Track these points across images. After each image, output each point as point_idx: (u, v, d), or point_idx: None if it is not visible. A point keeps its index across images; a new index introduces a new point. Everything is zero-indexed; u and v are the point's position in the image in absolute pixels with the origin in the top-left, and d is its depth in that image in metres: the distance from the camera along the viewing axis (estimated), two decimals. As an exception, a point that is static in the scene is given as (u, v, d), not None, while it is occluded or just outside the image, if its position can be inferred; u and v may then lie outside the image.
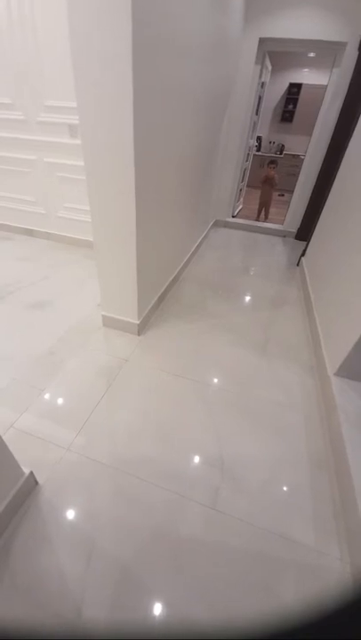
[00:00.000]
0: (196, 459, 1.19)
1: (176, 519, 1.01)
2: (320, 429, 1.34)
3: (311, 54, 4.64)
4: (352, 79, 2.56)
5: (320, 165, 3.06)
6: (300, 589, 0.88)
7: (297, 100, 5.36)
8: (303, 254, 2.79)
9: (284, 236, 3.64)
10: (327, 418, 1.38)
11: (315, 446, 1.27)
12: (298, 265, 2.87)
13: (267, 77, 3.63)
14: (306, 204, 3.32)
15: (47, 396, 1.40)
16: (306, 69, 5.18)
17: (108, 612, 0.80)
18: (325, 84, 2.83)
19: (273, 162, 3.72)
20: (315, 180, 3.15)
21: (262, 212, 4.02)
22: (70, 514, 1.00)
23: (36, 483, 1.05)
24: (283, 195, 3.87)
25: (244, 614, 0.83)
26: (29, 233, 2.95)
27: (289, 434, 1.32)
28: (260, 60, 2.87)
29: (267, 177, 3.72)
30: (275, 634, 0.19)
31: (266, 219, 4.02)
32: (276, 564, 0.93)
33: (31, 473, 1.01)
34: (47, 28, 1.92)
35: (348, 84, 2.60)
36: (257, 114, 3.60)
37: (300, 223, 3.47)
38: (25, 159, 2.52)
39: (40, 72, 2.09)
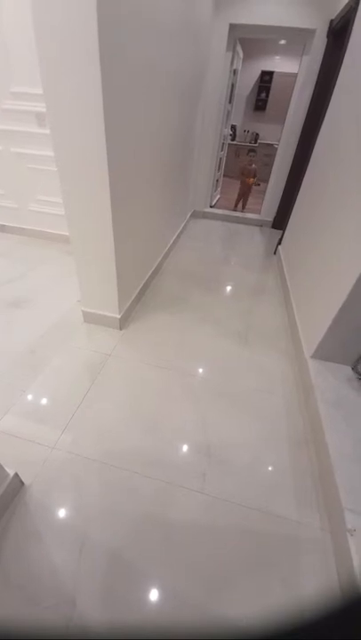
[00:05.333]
0: (184, 447, 1.22)
1: (166, 506, 1.03)
2: (299, 410, 1.41)
3: (282, 41, 4.64)
4: (321, 66, 2.60)
5: (293, 154, 3.10)
6: (289, 560, 0.93)
7: (269, 88, 5.37)
8: (280, 243, 2.85)
9: (261, 226, 3.69)
10: (305, 398, 1.44)
11: (294, 426, 1.33)
12: (275, 253, 2.93)
13: (238, 65, 3.60)
14: (281, 193, 3.37)
15: (30, 395, 1.37)
16: (277, 57, 5.18)
17: (103, 602, 0.82)
18: (297, 71, 2.85)
19: (253, 150, 3.73)
20: (289, 169, 3.20)
21: (240, 203, 4.04)
22: (60, 510, 1.00)
23: (22, 483, 1.03)
24: (259, 184, 3.90)
25: (240, 593, 0.87)
26: (1, 229, 2.82)
27: (271, 416, 1.37)
28: (231, 46, 2.84)
29: (245, 183, 3.73)
30: (275, 634, 0.19)
31: (243, 209, 4.05)
32: (264, 539, 0.97)
33: (16, 474, 0.99)
34: (10, 8, 1.81)
35: (317, 72, 2.64)
36: (230, 102, 3.58)
37: (275, 212, 3.53)
38: (-10, 150, 2.39)
39: (4, 56, 1.97)
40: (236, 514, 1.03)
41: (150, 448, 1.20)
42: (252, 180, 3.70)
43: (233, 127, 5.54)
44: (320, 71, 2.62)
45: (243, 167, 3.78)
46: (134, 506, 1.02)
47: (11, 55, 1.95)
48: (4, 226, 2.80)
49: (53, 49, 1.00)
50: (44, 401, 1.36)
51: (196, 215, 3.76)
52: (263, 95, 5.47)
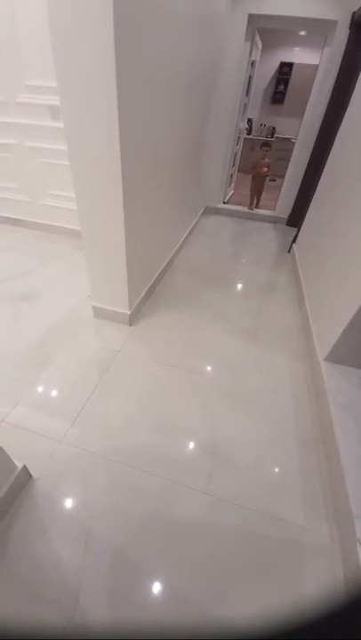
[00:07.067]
0: (190, 445, 1.21)
1: (171, 505, 1.02)
2: (309, 413, 1.37)
3: (302, 32, 4.48)
4: (343, 59, 2.49)
5: (311, 149, 3.01)
6: (294, 567, 0.91)
7: (288, 80, 5.21)
8: (294, 241, 2.78)
9: (275, 223, 3.61)
10: (316, 401, 1.41)
11: (304, 429, 1.30)
12: (289, 252, 2.87)
13: (257, 56, 3.51)
14: (297, 190, 3.29)
15: (39, 389, 1.38)
16: (297, 48, 5.02)
17: (106, 598, 0.82)
18: (317, 63, 2.75)
19: (267, 144, 3.59)
20: (306, 165, 3.11)
21: (254, 200, 3.93)
22: (66, 504, 1.01)
23: (30, 476, 1.05)
24: (274, 180, 3.80)
25: (243, 596, 0.86)
26: (14, 222, 2.85)
27: (279, 418, 1.34)
28: (249, 37, 2.76)
29: (257, 176, 3.59)
30: (275, 634, 0.19)
31: (257, 205, 3.95)
32: (269, 543, 0.96)
33: (24, 467, 1.00)
34: (25, 1, 1.80)
35: (339, 65, 2.54)
36: (247, 95, 3.49)
37: (291, 209, 3.45)
38: (4, 143, 2.40)
39: (18, 48, 1.96)
40: (241, 516, 1.01)
41: (157, 445, 1.20)
42: (265, 169, 3.57)
43: (249, 121, 5.41)
44: (342, 64, 2.52)
45: (255, 162, 3.67)
46: (139, 504, 1.02)
47: (25, 48, 1.95)
48: (17, 220, 2.83)
49: (67, 42, 0.98)
50: (52, 395, 1.37)
51: (208, 211, 3.71)
52: (281, 87, 5.31)
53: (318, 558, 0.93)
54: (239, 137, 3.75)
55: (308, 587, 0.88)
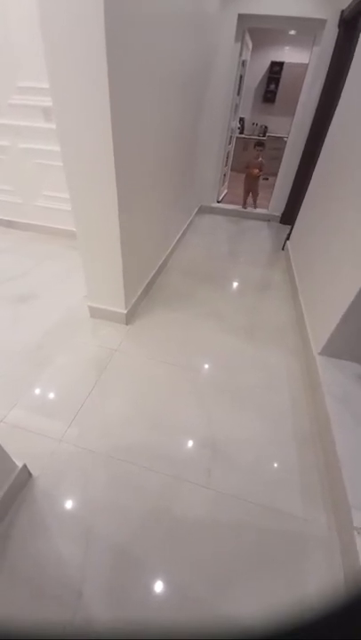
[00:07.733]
0: (189, 442, 1.22)
1: (171, 501, 1.03)
2: (305, 406, 1.39)
3: (292, 32, 4.52)
4: (332, 58, 2.52)
5: (303, 147, 3.04)
6: (294, 559, 0.93)
7: (279, 79, 5.25)
8: (288, 238, 2.81)
9: (269, 221, 3.64)
10: (312, 395, 1.43)
11: (300, 423, 1.32)
12: (283, 249, 2.89)
13: (247, 56, 3.53)
14: (290, 188, 3.31)
15: (37, 389, 1.38)
16: (288, 47, 5.06)
17: (107, 596, 0.83)
18: (307, 61, 2.78)
19: (260, 144, 3.60)
20: (298, 163, 3.14)
21: (249, 200, 3.92)
22: (66, 502, 1.01)
23: (30, 475, 1.05)
24: (267, 178, 3.82)
25: (244, 591, 0.87)
26: (8, 224, 2.84)
27: (276, 413, 1.36)
28: (239, 37, 2.78)
29: (250, 175, 3.59)
30: (275, 634, 0.19)
31: (254, 206, 3.91)
32: (269, 536, 0.97)
33: (24, 466, 1.01)
34: (15, 1, 1.79)
35: (328, 63, 2.56)
36: (239, 94, 3.51)
37: (284, 207, 3.47)
38: (-3, 145, 2.40)
39: (10, 50, 1.96)
40: (241, 510, 1.02)
41: (155, 443, 1.21)
42: (256, 170, 3.59)
43: (241, 120, 5.45)
44: (331, 62, 2.55)
45: (248, 161, 3.68)
46: (140, 500, 1.03)
47: (17, 49, 1.94)
48: (11, 222, 2.82)
49: (59, 42, 0.99)
50: (51, 395, 1.37)
51: (203, 210, 3.72)
52: (273, 86, 5.35)
53: (317, 548, 0.95)
54: (231, 136, 3.78)
55: (308, 577, 0.89)
